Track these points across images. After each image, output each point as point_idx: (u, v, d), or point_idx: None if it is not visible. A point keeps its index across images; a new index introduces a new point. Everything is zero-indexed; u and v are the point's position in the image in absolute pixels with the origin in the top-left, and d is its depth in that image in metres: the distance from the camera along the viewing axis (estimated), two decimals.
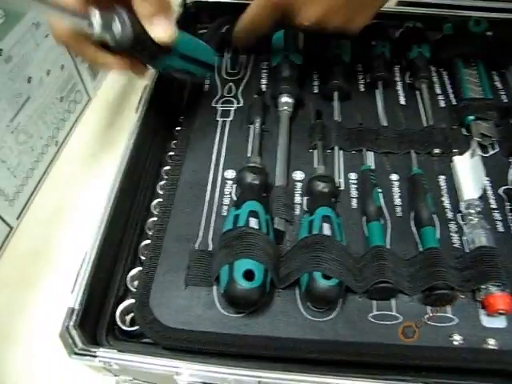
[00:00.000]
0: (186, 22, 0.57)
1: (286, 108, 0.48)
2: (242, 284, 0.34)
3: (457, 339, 0.35)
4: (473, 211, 0.41)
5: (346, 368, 0.34)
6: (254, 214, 0.38)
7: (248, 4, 0.46)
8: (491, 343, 0.35)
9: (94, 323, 0.36)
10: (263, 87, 0.53)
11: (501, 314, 0.35)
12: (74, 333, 0.33)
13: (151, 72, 0.50)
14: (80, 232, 0.49)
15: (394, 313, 0.36)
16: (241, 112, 0.50)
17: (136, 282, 0.39)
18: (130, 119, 0.46)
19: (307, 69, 0.54)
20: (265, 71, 0.55)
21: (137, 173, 0.45)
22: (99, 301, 0.37)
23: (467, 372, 0.34)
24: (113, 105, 0.63)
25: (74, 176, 0.55)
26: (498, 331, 0.35)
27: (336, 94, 0.50)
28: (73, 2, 0.34)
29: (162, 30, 0.36)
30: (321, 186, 0.41)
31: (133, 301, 0.37)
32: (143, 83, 0.50)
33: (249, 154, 0.46)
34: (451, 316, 0.36)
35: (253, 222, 0.37)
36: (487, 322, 0.36)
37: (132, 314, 0.37)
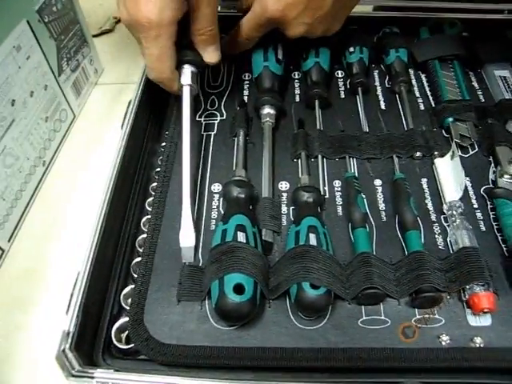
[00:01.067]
0: None
1: (268, 119, 0.49)
2: (233, 298, 0.34)
3: (444, 339, 0.36)
4: (455, 212, 0.42)
5: (340, 374, 0.35)
6: (241, 227, 0.38)
7: (229, 16, 0.48)
8: (478, 341, 0.36)
9: (90, 343, 0.37)
10: (245, 99, 0.54)
11: (485, 312, 0.37)
12: (70, 355, 0.33)
13: (134, 87, 0.51)
14: (72, 250, 0.49)
15: (382, 317, 0.37)
16: (224, 125, 0.51)
17: (130, 300, 0.39)
18: (116, 135, 0.47)
19: (288, 79, 0.55)
20: (246, 83, 0.56)
21: (125, 190, 0.45)
22: (94, 320, 0.38)
23: (456, 370, 0.35)
24: (98, 121, 0.63)
25: (63, 195, 0.56)
26: (484, 329, 0.36)
27: (317, 103, 0.51)
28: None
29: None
30: (305, 197, 0.42)
31: (127, 319, 0.38)
32: (127, 98, 0.50)
33: (234, 167, 0.46)
34: (438, 317, 0.37)
35: (240, 236, 0.38)
36: (473, 321, 0.37)
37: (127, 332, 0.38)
